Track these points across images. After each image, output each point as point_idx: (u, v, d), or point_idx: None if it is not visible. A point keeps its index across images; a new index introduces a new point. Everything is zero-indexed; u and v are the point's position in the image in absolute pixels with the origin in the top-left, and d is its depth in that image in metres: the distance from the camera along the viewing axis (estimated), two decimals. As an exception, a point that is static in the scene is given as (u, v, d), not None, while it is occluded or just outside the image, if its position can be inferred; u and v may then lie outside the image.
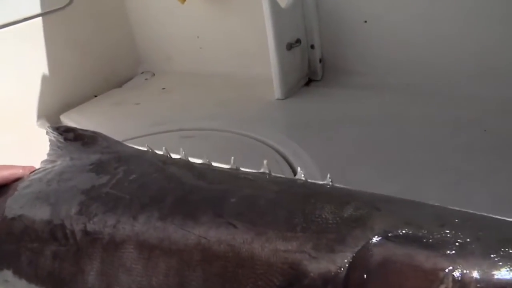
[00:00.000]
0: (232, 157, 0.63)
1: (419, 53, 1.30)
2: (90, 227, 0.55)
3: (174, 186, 0.56)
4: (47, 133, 0.78)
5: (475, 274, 0.37)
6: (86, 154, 0.69)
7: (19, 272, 0.60)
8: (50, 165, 0.72)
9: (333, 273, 0.41)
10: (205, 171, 0.60)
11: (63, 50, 1.57)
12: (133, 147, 0.73)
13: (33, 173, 0.73)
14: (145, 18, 1.75)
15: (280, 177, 0.59)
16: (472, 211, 0.47)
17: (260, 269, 0.45)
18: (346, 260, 0.42)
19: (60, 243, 0.57)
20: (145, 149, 0.70)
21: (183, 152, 0.65)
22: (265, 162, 0.60)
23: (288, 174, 0.99)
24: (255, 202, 0.51)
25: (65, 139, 0.74)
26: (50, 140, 0.77)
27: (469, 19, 1.21)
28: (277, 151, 1.10)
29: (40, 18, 1.51)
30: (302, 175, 0.58)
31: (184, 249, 0.49)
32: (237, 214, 0.49)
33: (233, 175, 0.58)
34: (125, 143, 1.21)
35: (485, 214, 0.46)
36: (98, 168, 0.65)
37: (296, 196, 0.52)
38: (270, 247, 0.45)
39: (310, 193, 0.52)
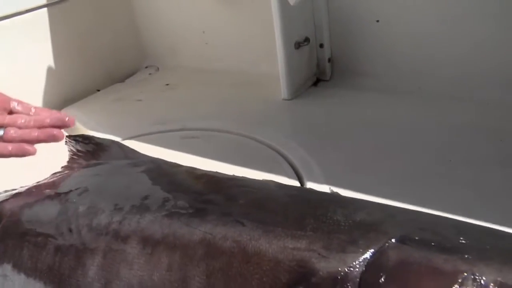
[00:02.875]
0: (234, 172, 0.64)
1: (433, 55, 1.25)
2: (95, 222, 0.56)
3: (183, 189, 0.58)
4: (65, 143, 0.80)
5: (496, 278, 0.35)
6: (102, 160, 0.72)
7: (18, 267, 0.60)
8: (68, 170, 0.74)
9: (343, 273, 0.40)
10: (214, 176, 0.61)
11: (66, 43, 1.54)
12: (147, 155, 0.74)
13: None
14: (150, 11, 1.71)
15: (289, 185, 0.59)
16: (488, 227, 0.46)
17: (267, 265, 0.44)
18: (357, 261, 0.40)
19: (64, 238, 0.57)
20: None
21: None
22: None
23: (293, 179, 0.95)
24: (264, 203, 0.51)
25: (83, 147, 0.76)
26: (69, 150, 0.79)
27: (486, 19, 1.16)
28: (282, 155, 1.06)
29: (42, 10, 1.47)
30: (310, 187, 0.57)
31: (188, 245, 0.48)
32: (245, 213, 0.49)
33: (241, 180, 0.59)
34: (125, 142, 1.20)
35: (501, 229, 0.45)
36: (111, 173, 0.68)
37: (307, 200, 0.52)
38: (278, 244, 0.44)
39: (322, 198, 0.53)
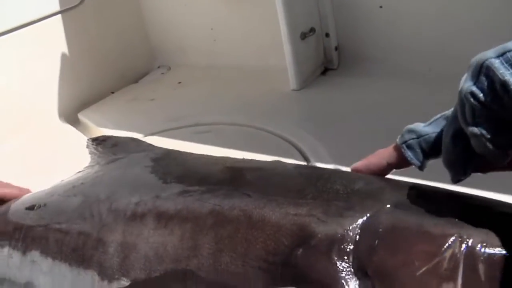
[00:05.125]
0: (243, 156, 0.65)
1: (439, 36, 1.25)
2: (114, 206, 0.60)
3: (194, 173, 0.62)
4: (87, 146, 0.85)
5: (483, 239, 0.37)
6: (121, 155, 0.77)
7: (46, 252, 0.64)
8: (90, 169, 0.78)
9: (340, 236, 0.43)
10: (225, 160, 0.64)
11: (78, 49, 1.58)
12: (162, 148, 0.78)
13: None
14: (158, 11, 1.74)
15: (294, 163, 0.64)
16: (482, 196, 0.46)
17: (270, 230, 0.46)
18: (354, 225, 0.43)
19: (87, 222, 0.61)
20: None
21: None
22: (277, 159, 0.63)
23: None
24: (270, 178, 0.55)
25: (104, 147, 0.81)
26: (90, 152, 0.83)
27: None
28: (293, 145, 1.08)
29: (53, 18, 1.51)
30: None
31: (198, 216, 0.52)
32: (252, 186, 0.53)
33: (250, 163, 0.63)
34: (142, 140, 1.23)
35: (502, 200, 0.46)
36: (130, 165, 0.72)
37: (310, 174, 0.56)
38: (280, 211, 0.47)
39: (324, 172, 0.56)
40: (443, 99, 1.12)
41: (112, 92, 1.66)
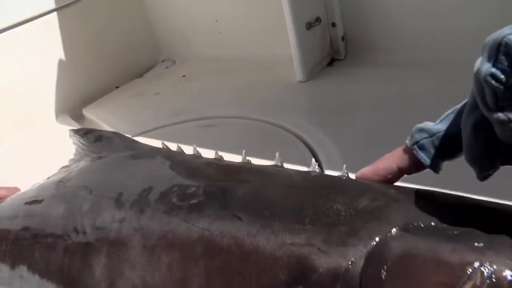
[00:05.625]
0: (243, 151, 0.61)
1: (449, 24, 1.22)
2: (98, 221, 0.56)
3: (182, 182, 0.56)
4: (70, 136, 0.82)
5: (509, 265, 0.32)
6: (105, 154, 0.72)
7: (33, 268, 0.61)
8: (74, 165, 0.76)
9: (344, 269, 0.38)
10: (215, 166, 0.60)
11: (82, 43, 1.56)
12: (148, 145, 0.74)
13: (55, 174, 0.76)
14: (162, 4, 1.71)
15: (293, 170, 0.56)
16: (503, 202, 0.42)
17: (265, 263, 0.42)
18: (359, 255, 0.38)
19: (70, 239, 0.58)
20: (160, 146, 0.71)
21: (195, 147, 0.66)
22: (277, 154, 0.58)
23: (309, 161, 0.95)
24: (262, 194, 0.49)
25: (86, 140, 0.77)
26: (74, 143, 0.80)
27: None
28: (299, 138, 1.06)
29: (57, 12, 1.50)
30: (316, 167, 0.55)
31: (186, 242, 0.48)
32: (242, 207, 0.48)
33: (243, 169, 0.57)
34: (146, 134, 1.22)
35: None
36: (112, 167, 0.68)
37: (307, 188, 0.49)
38: (276, 239, 0.43)
39: (322, 185, 0.49)
40: (452, 88, 1.10)
41: (117, 87, 1.64)
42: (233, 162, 0.60)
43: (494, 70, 0.33)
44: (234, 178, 0.55)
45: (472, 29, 1.18)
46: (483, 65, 0.34)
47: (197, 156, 0.63)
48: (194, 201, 0.51)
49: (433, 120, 0.99)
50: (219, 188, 0.52)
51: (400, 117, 1.05)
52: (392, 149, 0.92)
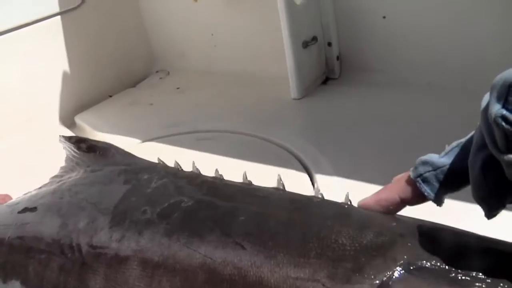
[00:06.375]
0: (244, 171, 0.61)
1: (441, 49, 1.25)
2: (95, 240, 0.55)
3: (182, 202, 0.55)
4: (59, 141, 0.79)
5: None
6: (99, 166, 0.70)
7: (26, 284, 0.60)
8: (66, 175, 0.73)
9: None
10: (215, 186, 0.58)
11: (77, 51, 1.56)
12: (145, 160, 0.72)
13: (47, 183, 0.74)
14: (159, 16, 1.72)
15: (295, 194, 0.55)
16: (505, 240, 0.42)
17: None
18: None
19: (66, 256, 0.56)
20: (154, 159, 0.69)
21: (195, 166, 0.64)
22: (278, 176, 0.58)
23: (304, 179, 0.96)
24: (266, 221, 0.48)
25: (79, 149, 0.74)
26: (64, 149, 0.78)
27: (493, 11, 1.16)
28: (293, 154, 1.07)
29: (53, 19, 1.50)
30: (320, 193, 0.54)
31: (188, 269, 0.47)
32: (245, 234, 0.47)
33: (244, 190, 0.56)
34: (139, 145, 1.21)
35: None
36: (108, 182, 0.66)
37: (311, 217, 0.48)
38: (280, 272, 0.42)
39: (326, 214, 0.48)
40: (443, 109, 1.13)
41: (110, 96, 1.64)
42: (234, 182, 0.58)
43: (504, 112, 0.33)
44: (235, 201, 0.53)
45: (464, 53, 1.21)
46: (493, 106, 0.33)
47: (196, 174, 0.62)
48: (194, 224, 0.50)
49: (423, 140, 1.02)
50: (220, 211, 0.51)
51: (391, 136, 1.07)
52: (385, 166, 0.94)
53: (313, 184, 0.95)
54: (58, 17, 1.51)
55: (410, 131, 1.08)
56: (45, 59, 1.49)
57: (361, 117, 1.19)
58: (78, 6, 1.54)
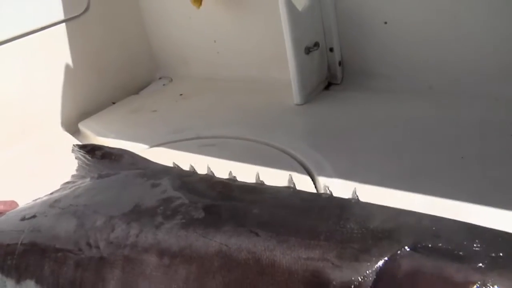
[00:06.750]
0: (257, 172, 0.63)
1: (443, 54, 1.25)
2: (113, 236, 0.57)
3: (198, 200, 0.57)
4: (72, 151, 0.81)
5: (509, 285, 0.35)
6: (114, 171, 0.72)
7: (41, 283, 0.61)
8: (79, 181, 0.75)
9: (356, 283, 0.40)
10: (229, 185, 0.61)
11: (80, 58, 1.58)
12: (159, 164, 0.74)
13: (50, 194, 0.75)
14: (161, 23, 1.74)
15: (304, 191, 0.58)
16: (503, 231, 0.44)
17: (281, 276, 0.44)
18: (371, 270, 0.40)
19: (83, 253, 0.58)
20: (171, 165, 0.72)
21: (210, 169, 0.66)
22: (289, 175, 0.61)
23: (307, 183, 0.97)
24: (278, 212, 0.51)
25: (93, 157, 0.77)
26: (77, 158, 0.80)
27: (493, 16, 1.17)
28: (297, 160, 1.07)
29: (57, 26, 1.51)
30: (328, 190, 0.57)
31: (204, 256, 0.49)
32: (259, 223, 0.49)
33: (257, 189, 0.59)
34: (144, 152, 1.22)
35: None
36: (125, 184, 0.68)
37: (321, 207, 0.52)
38: (292, 254, 0.45)
39: (335, 205, 0.52)
40: (445, 114, 1.14)
41: (113, 103, 1.65)
42: (247, 182, 0.61)
43: None
44: (249, 197, 0.56)
45: (466, 58, 1.22)
46: None
47: (210, 175, 0.64)
48: (210, 217, 0.52)
49: (425, 145, 1.02)
50: (235, 206, 0.54)
51: (393, 140, 1.08)
52: (387, 170, 0.95)
53: (316, 188, 0.95)
54: (62, 24, 1.52)
55: (412, 135, 1.09)
56: (49, 67, 1.51)
57: (364, 121, 1.19)
58: (82, 13, 1.56)
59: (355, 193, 0.53)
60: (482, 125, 1.07)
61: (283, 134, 1.18)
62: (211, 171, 0.66)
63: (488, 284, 0.35)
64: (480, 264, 0.38)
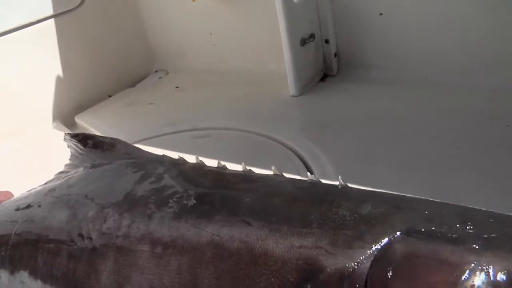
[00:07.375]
0: (243, 162, 0.63)
1: (438, 44, 1.26)
2: (105, 227, 0.56)
3: (189, 189, 0.57)
4: (64, 139, 0.80)
5: (504, 265, 0.35)
6: (107, 160, 0.72)
7: (35, 274, 0.61)
8: (72, 171, 0.74)
9: (350, 269, 0.40)
10: (220, 174, 0.60)
11: (76, 51, 1.57)
12: (151, 153, 0.74)
13: (53, 179, 0.75)
14: (157, 16, 1.73)
15: (294, 178, 0.58)
16: (495, 211, 0.44)
17: (274, 265, 0.44)
18: (365, 256, 0.40)
19: (75, 244, 0.58)
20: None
21: (199, 158, 0.66)
22: (273, 167, 0.60)
23: (303, 173, 0.97)
24: (270, 200, 0.51)
25: (85, 146, 0.76)
26: (69, 147, 0.79)
27: (490, 7, 1.17)
28: (292, 150, 1.08)
29: (52, 20, 1.50)
30: (314, 178, 0.56)
31: (196, 247, 0.48)
32: (251, 212, 0.49)
33: (247, 177, 0.58)
34: (139, 144, 1.22)
35: (510, 214, 0.44)
36: (117, 174, 0.68)
37: (312, 194, 0.51)
38: (284, 243, 0.44)
39: (326, 192, 0.51)
40: (440, 105, 1.14)
41: (109, 96, 1.65)
42: (237, 170, 0.60)
43: None
44: (239, 186, 0.55)
45: (461, 49, 1.22)
46: None
47: (200, 164, 0.64)
48: (201, 207, 0.52)
49: (421, 135, 1.02)
50: (226, 195, 0.53)
51: (388, 131, 1.08)
52: (382, 161, 0.95)
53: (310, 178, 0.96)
54: (58, 17, 1.51)
55: (407, 126, 1.09)
56: (45, 60, 1.50)
57: (359, 113, 1.20)
58: (77, 6, 1.55)
59: (341, 180, 0.53)
60: (477, 115, 1.07)
61: (279, 125, 1.19)
62: (200, 160, 0.65)
63: (483, 264, 0.36)
64: (475, 245, 0.38)
